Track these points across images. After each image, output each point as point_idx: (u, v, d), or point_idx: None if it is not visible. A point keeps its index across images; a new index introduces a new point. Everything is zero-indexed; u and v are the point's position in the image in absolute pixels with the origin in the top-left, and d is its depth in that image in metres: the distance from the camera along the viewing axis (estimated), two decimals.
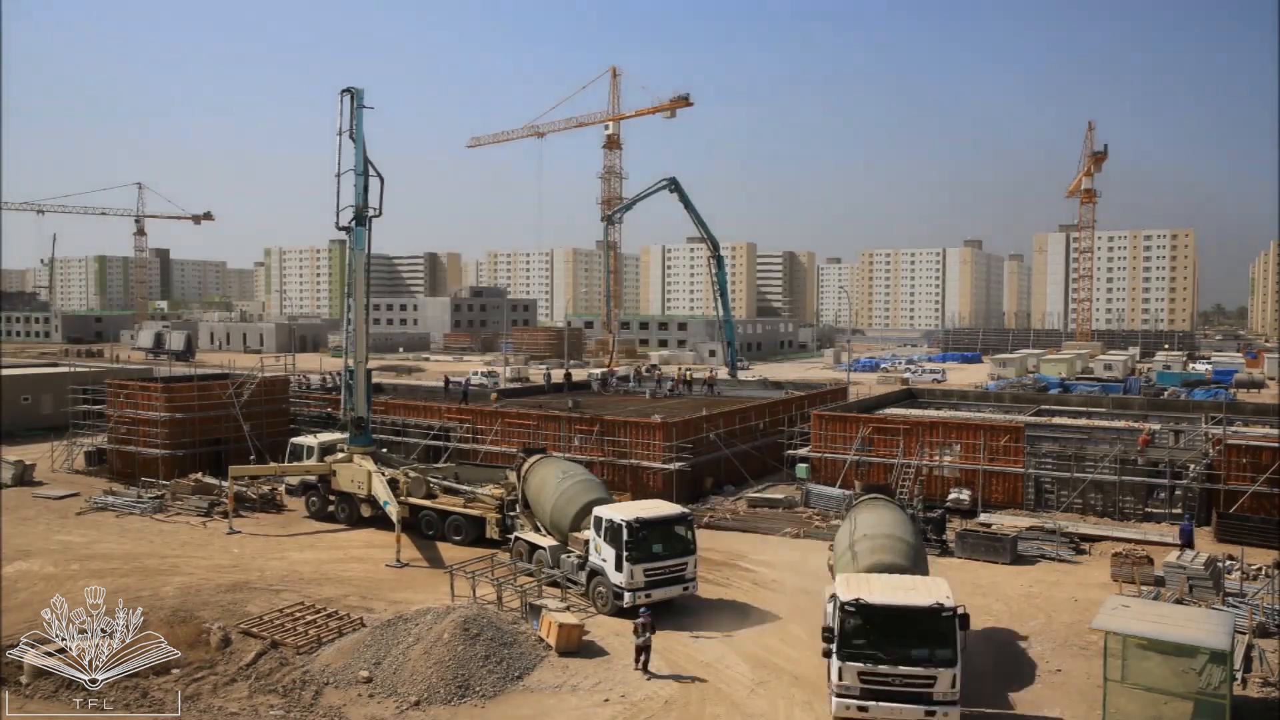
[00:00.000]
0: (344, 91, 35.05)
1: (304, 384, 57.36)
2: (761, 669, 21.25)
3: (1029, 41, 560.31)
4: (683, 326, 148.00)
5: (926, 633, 17.80)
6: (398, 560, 29.79)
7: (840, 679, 17.79)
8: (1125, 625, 17.93)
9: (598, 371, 72.22)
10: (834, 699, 18.03)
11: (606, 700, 19.48)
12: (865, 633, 17.87)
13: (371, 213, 35.49)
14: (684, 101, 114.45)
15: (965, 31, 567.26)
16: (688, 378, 60.99)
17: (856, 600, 18.03)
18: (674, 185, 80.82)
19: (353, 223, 35.30)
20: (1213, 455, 35.11)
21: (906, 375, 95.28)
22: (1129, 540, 31.04)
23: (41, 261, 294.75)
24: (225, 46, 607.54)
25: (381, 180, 35.64)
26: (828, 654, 18.21)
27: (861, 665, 17.67)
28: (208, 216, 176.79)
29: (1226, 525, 32.24)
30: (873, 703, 17.59)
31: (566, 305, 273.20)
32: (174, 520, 35.72)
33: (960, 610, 17.95)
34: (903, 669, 17.58)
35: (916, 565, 20.95)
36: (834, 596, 18.79)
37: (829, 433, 39.79)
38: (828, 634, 18.11)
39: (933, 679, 17.53)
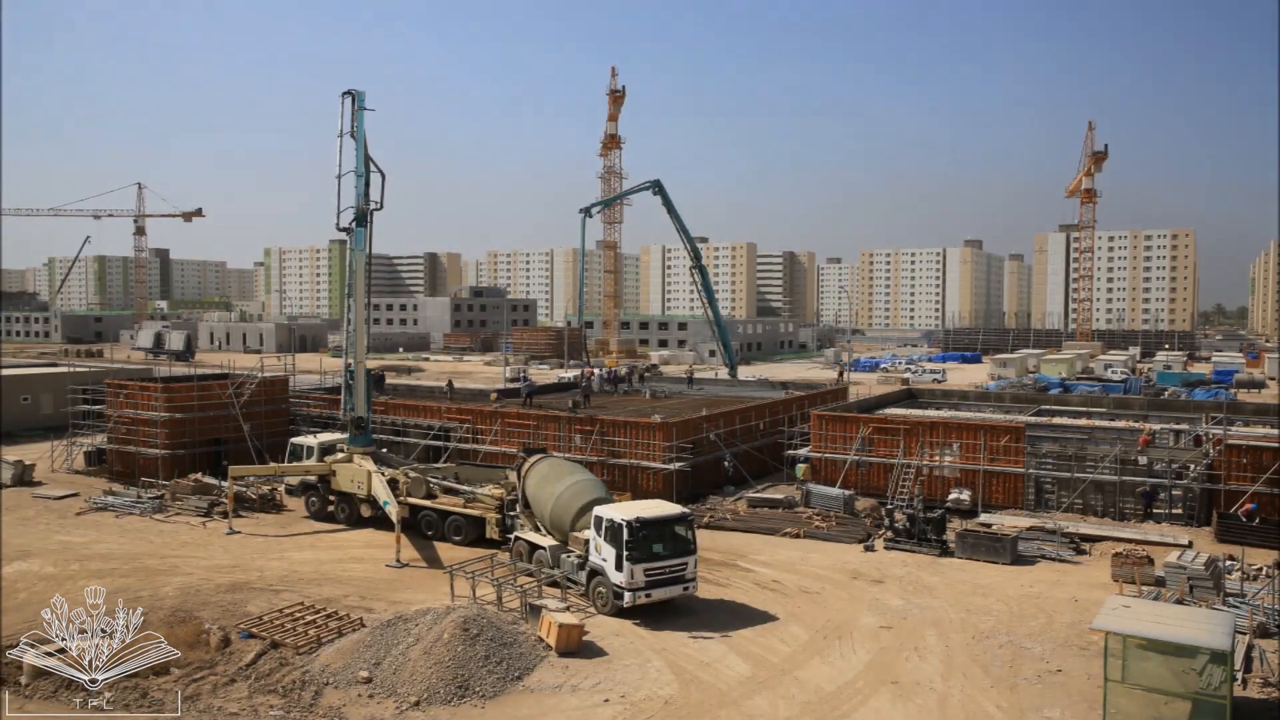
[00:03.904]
0: (345, 94, 35.19)
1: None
2: (761, 669, 21.24)
3: (1029, 41, 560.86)
4: (683, 326, 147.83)
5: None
6: (398, 560, 29.79)
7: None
8: (1126, 625, 17.92)
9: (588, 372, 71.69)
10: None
11: (606, 700, 19.47)
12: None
13: (373, 206, 35.58)
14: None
15: (966, 32, 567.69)
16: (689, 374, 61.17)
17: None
18: (658, 188, 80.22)
19: (353, 223, 35.35)
20: (1213, 455, 35.10)
21: (907, 375, 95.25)
22: (1129, 540, 31.04)
23: (51, 260, 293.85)
24: (223, 45, 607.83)
25: (383, 176, 35.85)
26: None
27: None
28: (198, 213, 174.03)
29: (1227, 525, 32.24)
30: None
31: (566, 305, 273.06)
32: (174, 520, 35.72)
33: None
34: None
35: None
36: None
37: (829, 433, 39.78)
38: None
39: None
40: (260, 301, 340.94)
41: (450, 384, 58.71)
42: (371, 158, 35.33)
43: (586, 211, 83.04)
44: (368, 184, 35.32)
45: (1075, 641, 22.78)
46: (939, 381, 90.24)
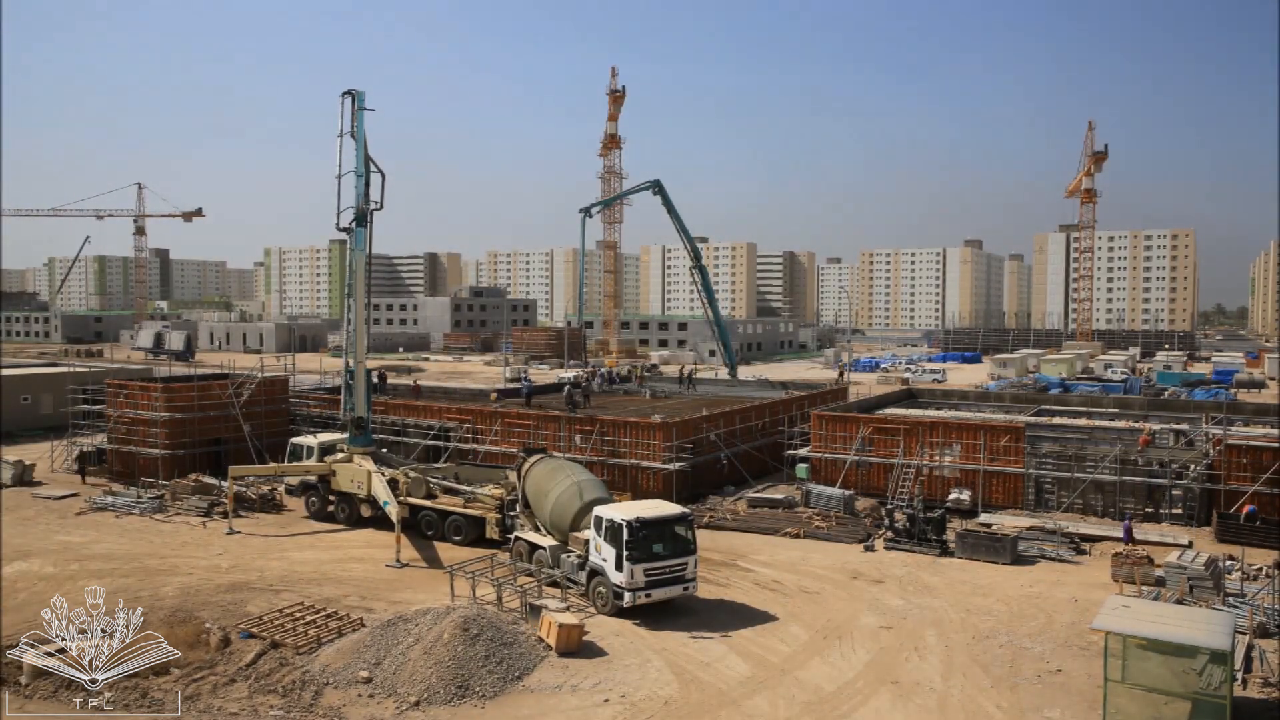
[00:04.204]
0: (345, 94, 35.20)
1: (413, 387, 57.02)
2: (761, 669, 21.24)
3: (1029, 41, 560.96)
4: (683, 326, 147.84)
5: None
6: (398, 560, 29.79)
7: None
8: (1126, 625, 17.92)
9: (568, 375, 71.47)
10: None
11: (606, 700, 19.47)
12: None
13: (373, 206, 35.59)
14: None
15: (966, 32, 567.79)
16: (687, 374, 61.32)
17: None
18: (658, 188, 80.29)
19: (353, 223, 35.35)
20: (1213, 455, 35.10)
21: (907, 375, 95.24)
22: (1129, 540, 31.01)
23: (51, 260, 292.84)
24: (224, 45, 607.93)
25: (383, 175, 35.86)
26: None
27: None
28: (199, 213, 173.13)
29: (1227, 525, 32.24)
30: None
31: (566, 305, 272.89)
32: (174, 520, 35.72)
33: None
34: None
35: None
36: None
37: (829, 433, 39.77)
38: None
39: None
40: (260, 301, 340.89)
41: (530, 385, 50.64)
42: (371, 158, 35.38)
43: (586, 211, 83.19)
44: (368, 184, 35.33)
45: (1075, 641, 22.78)
46: (939, 381, 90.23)
